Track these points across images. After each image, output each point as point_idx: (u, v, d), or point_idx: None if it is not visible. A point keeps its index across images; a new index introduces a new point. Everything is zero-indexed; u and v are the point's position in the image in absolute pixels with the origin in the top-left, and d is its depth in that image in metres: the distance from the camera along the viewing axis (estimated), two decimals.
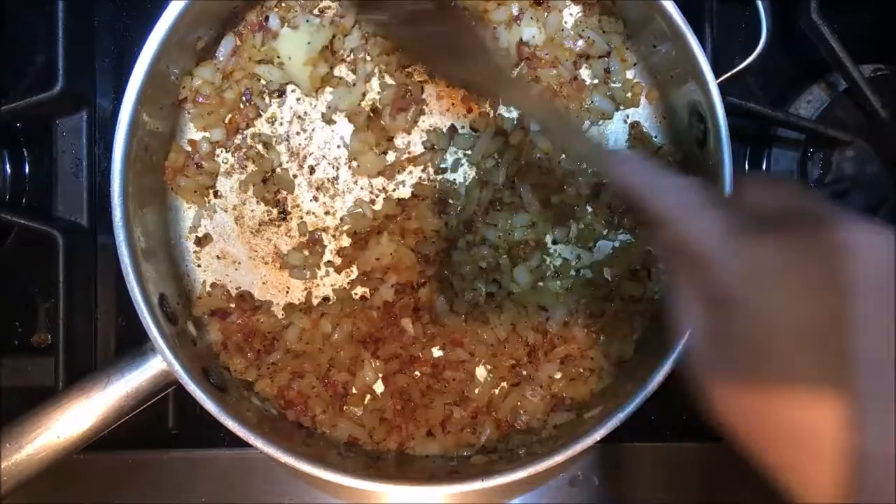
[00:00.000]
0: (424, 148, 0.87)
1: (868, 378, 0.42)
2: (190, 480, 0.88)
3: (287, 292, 0.87)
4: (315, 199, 0.87)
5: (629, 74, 0.87)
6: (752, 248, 0.47)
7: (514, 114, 0.86)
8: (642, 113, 0.87)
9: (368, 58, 0.86)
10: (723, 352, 0.47)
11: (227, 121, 0.86)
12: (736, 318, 0.46)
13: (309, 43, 0.82)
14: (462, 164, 0.87)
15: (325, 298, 0.87)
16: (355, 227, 0.86)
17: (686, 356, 0.51)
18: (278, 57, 0.83)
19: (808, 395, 0.43)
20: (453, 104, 0.87)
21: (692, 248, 0.50)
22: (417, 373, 0.85)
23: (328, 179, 0.87)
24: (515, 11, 0.85)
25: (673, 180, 0.55)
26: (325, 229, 0.87)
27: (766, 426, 0.45)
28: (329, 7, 0.85)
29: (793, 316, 0.44)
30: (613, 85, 0.87)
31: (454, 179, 0.87)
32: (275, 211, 0.87)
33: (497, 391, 0.85)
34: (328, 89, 0.86)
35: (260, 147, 0.87)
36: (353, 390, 0.84)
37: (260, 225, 0.87)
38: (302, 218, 0.87)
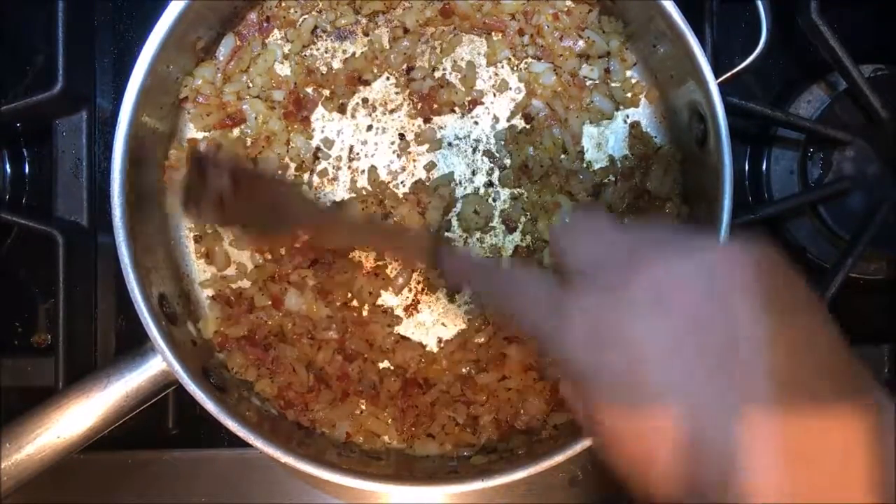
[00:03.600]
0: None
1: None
2: (190, 480, 0.88)
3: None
4: (316, 199, 0.87)
5: (629, 74, 0.87)
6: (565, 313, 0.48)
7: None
8: (642, 113, 0.87)
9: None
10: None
11: (227, 121, 0.86)
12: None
13: None
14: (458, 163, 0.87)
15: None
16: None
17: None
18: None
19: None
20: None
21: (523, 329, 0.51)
22: (417, 374, 0.85)
23: (329, 180, 0.87)
24: None
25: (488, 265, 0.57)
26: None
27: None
28: None
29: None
30: (613, 85, 0.87)
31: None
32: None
33: (497, 391, 0.85)
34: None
35: (261, 148, 0.86)
36: (354, 390, 0.84)
37: None
38: None
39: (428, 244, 0.70)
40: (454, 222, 0.87)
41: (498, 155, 0.87)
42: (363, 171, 0.87)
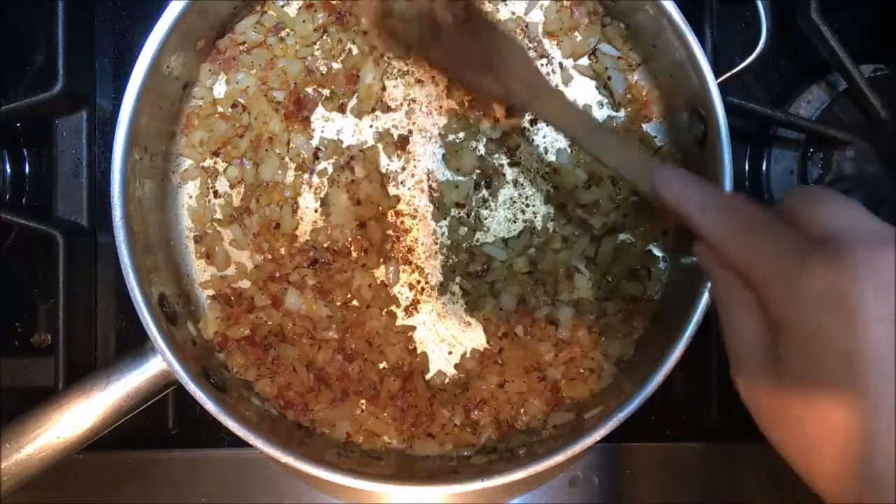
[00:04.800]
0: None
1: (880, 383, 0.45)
2: (190, 480, 0.88)
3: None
4: (316, 199, 0.87)
5: (630, 76, 0.87)
6: (802, 274, 0.48)
7: None
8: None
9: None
10: (768, 364, 0.51)
11: (227, 122, 0.86)
12: (787, 337, 0.49)
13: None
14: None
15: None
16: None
17: (731, 357, 0.55)
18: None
19: (831, 399, 0.47)
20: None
21: (745, 270, 0.52)
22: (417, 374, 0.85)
23: (328, 180, 0.87)
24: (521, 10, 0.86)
25: (720, 199, 0.57)
26: (325, 229, 0.87)
27: (790, 426, 0.50)
28: None
29: (838, 343, 0.46)
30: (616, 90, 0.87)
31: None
32: (277, 211, 0.86)
33: (497, 391, 0.85)
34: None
35: (261, 148, 0.86)
36: (354, 390, 0.84)
37: (261, 225, 0.86)
38: (303, 218, 0.87)
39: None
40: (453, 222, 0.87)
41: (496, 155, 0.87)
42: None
